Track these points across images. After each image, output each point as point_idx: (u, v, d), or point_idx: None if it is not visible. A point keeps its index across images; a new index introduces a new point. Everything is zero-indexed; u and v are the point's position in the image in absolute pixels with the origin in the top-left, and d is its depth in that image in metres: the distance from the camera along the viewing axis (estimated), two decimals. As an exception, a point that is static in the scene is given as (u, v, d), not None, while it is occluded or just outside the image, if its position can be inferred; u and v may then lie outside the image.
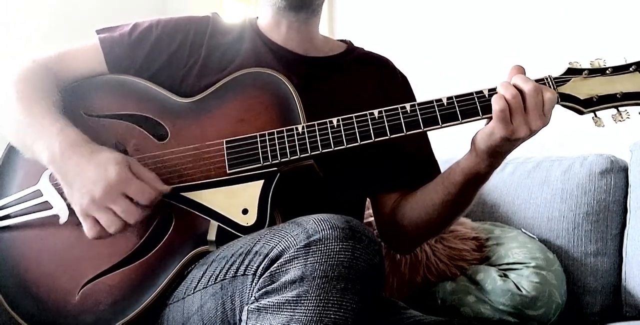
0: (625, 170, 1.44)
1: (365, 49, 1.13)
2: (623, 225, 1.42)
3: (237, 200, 0.86)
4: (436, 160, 1.11)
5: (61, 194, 0.93)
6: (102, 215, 0.83)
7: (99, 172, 0.83)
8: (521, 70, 0.85)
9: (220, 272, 0.78)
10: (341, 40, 1.13)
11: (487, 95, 0.84)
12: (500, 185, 1.56)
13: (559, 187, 1.46)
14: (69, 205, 0.92)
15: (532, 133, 0.81)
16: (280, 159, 0.88)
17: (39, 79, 0.96)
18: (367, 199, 1.13)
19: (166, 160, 0.91)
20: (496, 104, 0.81)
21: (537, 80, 0.84)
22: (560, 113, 0.87)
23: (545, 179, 1.50)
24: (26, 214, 0.94)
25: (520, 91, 0.81)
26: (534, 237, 1.45)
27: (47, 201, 0.93)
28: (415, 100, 1.07)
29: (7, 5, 1.64)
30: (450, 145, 1.43)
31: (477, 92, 0.85)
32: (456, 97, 0.86)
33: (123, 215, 0.82)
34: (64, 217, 0.92)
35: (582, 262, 1.41)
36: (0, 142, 1.01)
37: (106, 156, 0.85)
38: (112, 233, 0.84)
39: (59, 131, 0.88)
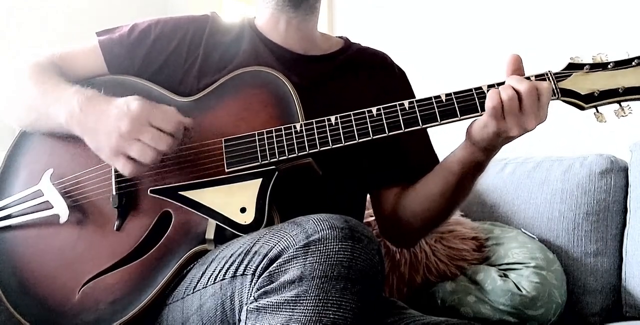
0: (625, 170, 1.44)
1: (363, 44, 1.13)
2: (623, 225, 1.42)
3: (235, 199, 0.86)
4: (436, 154, 1.11)
5: (62, 193, 0.93)
6: (133, 148, 0.83)
7: (121, 110, 0.84)
8: (517, 59, 0.84)
9: (219, 272, 0.79)
10: (338, 37, 1.13)
11: (486, 92, 0.84)
12: (500, 185, 1.56)
13: (559, 187, 1.46)
14: (69, 205, 0.92)
15: (526, 132, 0.81)
16: (279, 157, 0.88)
17: (48, 67, 0.98)
18: (367, 198, 1.13)
19: (165, 159, 0.91)
20: (490, 100, 0.81)
21: (537, 76, 0.84)
22: (560, 113, 0.87)
23: (545, 179, 1.49)
24: (27, 214, 0.95)
25: (517, 92, 0.81)
26: (534, 237, 1.45)
27: (47, 201, 0.94)
28: (413, 94, 1.07)
29: (7, 5, 1.64)
30: (451, 142, 1.43)
31: (476, 89, 0.85)
32: (455, 93, 0.85)
33: (154, 144, 0.83)
34: (64, 216, 0.92)
35: (582, 262, 1.41)
36: (2, 143, 1.02)
37: (124, 99, 0.87)
38: (147, 164, 0.84)
39: (74, 92, 0.90)
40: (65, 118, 0.89)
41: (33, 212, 0.94)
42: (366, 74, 1.08)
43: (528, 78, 0.84)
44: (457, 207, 1.03)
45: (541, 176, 1.50)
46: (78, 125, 0.88)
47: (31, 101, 0.94)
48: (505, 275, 1.34)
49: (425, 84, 1.34)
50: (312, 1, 1.03)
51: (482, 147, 0.86)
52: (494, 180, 1.57)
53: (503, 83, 0.84)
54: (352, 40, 1.13)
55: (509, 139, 0.83)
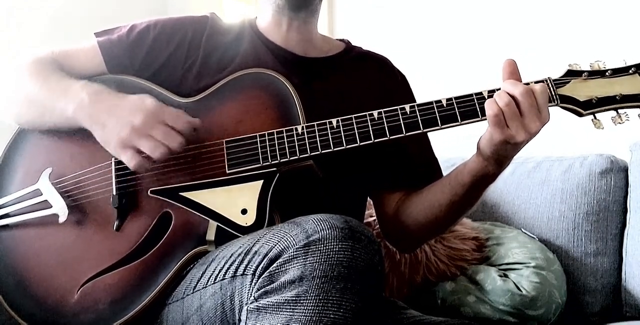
0: (625, 170, 1.44)
1: (364, 48, 1.13)
2: (623, 225, 1.42)
3: (237, 201, 0.86)
4: (437, 160, 1.11)
5: (61, 193, 0.93)
6: (144, 142, 0.84)
7: (135, 104, 0.86)
8: (512, 63, 0.84)
9: (219, 272, 0.79)
10: (339, 40, 1.13)
11: (486, 97, 0.84)
12: (500, 185, 1.56)
13: (559, 187, 1.46)
14: (68, 205, 0.92)
15: (532, 135, 0.81)
16: (280, 159, 0.88)
17: (49, 64, 0.99)
18: (368, 199, 1.13)
19: (166, 160, 0.91)
20: (489, 109, 0.81)
21: (536, 82, 0.84)
22: (560, 113, 0.87)
23: (545, 179, 1.49)
24: (25, 213, 0.94)
25: (512, 97, 0.81)
26: (534, 237, 1.45)
27: (46, 200, 0.94)
28: (414, 99, 1.08)
29: (7, 5, 1.64)
30: (451, 146, 1.43)
31: (476, 94, 0.85)
32: (455, 98, 0.86)
33: (165, 140, 0.84)
34: (63, 216, 0.92)
35: (582, 262, 1.41)
36: (1, 142, 1.01)
37: (137, 95, 0.88)
38: (156, 159, 0.85)
39: (82, 86, 0.91)
40: (73, 110, 0.89)
41: (31, 212, 0.94)
42: (366, 76, 1.08)
43: (527, 84, 0.83)
44: (461, 217, 1.03)
45: (541, 176, 1.50)
46: (88, 118, 0.89)
47: (33, 96, 0.94)
48: (506, 275, 1.34)
49: (425, 84, 1.34)
50: (313, 5, 1.03)
51: (493, 160, 0.86)
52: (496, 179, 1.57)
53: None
54: (353, 41, 1.13)
55: (517, 145, 0.82)
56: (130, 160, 0.85)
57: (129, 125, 0.84)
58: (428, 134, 0.99)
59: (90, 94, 0.89)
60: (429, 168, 1.08)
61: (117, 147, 0.86)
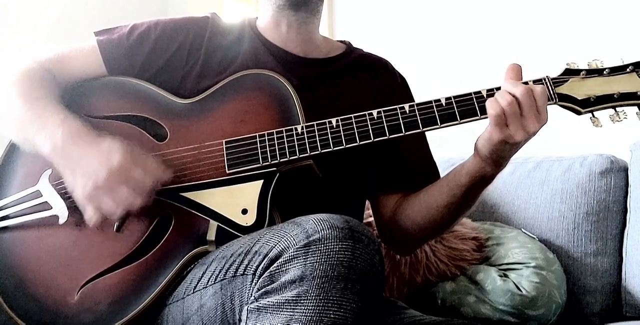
0: (625, 170, 1.44)
1: (365, 49, 1.13)
2: (623, 225, 1.42)
3: (237, 200, 0.86)
4: (435, 163, 1.11)
5: (61, 194, 0.93)
6: (104, 203, 0.84)
7: (101, 159, 0.84)
8: (517, 68, 0.85)
9: (220, 272, 0.79)
10: (340, 41, 1.13)
11: (485, 96, 0.85)
12: (500, 185, 1.56)
13: (559, 187, 1.46)
14: (68, 206, 0.92)
15: (530, 135, 0.82)
16: (280, 159, 0.88)
17: (39, 79, 0.97)
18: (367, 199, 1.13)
19: (166, 161, 0.91)
20: (490, 108, 0.81)
21: (535, 81, 0.85)
22: (560, 113, 0.88)
23: (545, 179, 1.50)
24: (25, 215, 0.94)
25: (514, 96, 0.81)
26: (534, 237, 1.45)
27: (46, 202, 0.93)
28: (413, 101, 1.08)
29: (8, 5, 1.64)
30: (451, 146, 1.43)
31: (475, 93, 0.86)
32: (455, 97, 0.86)
33: (125, 203, 0.83)
34: (63, 217, 0.92)
35: (582, 262, 1.41)
36: (1, 143, 1.01)
37: (108, 144, 0.86)
38: (115, 220, 0.85)
39: (60, 122, 0.89)
40: (48, 151, 0.88)
41: (32, 213, 0.94)
42: (367, 78, 1.08)
43: (526, 83, 0.84)
44: (459, 219, 1.03)
45: (541, 176, 1.50)
46: (60, 160, 0.88)
47: (18, 121, 0.93)
48: (505, 275, 1.34)
49: (425, 84, 1.34)
50: (313, 4, 1.03)
51: (491, 160, 0.86)
52: (494, 180, 1.57)
53: (500, 88, 0.85)
54: (353, 41, 1.13)
55: (516, 145, 0.83)
56: (90, 217, 0.85)
57: (92, 181, 0.83)
58: (429, 133, 1.00)
59: (65, 135, 0.87)
60: (427, 170, 1.08)
61: (81, 200, 0.85)
